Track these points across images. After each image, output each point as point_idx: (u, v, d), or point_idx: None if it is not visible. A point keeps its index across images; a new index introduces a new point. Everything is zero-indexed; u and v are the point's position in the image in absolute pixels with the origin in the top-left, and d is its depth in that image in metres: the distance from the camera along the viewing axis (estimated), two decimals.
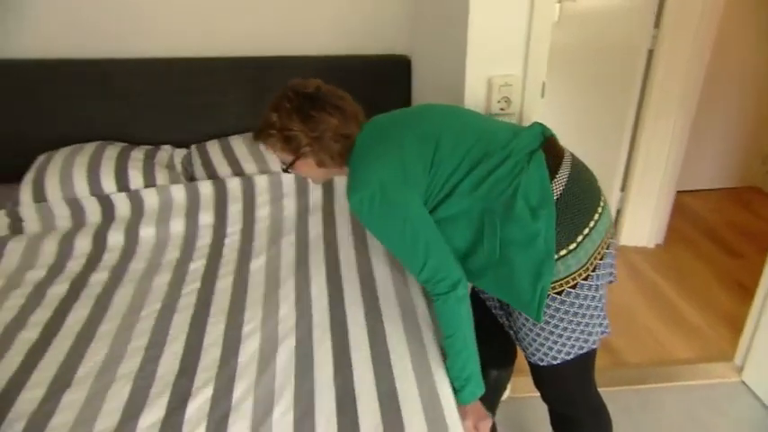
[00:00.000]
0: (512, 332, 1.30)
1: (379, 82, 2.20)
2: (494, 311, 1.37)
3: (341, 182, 1.92)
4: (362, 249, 1.60)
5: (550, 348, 1.17)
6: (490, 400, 1.57)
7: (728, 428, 1.81)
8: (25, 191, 1.81)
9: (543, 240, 1.04)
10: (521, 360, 1.39)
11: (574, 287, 1.10)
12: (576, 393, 1.28)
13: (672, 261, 2.69)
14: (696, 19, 2.25)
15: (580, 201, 1.09)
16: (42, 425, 1.07)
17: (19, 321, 1.34)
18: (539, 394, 1.32)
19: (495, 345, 1.45)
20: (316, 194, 1.87)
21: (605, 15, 2.28)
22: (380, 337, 1.27)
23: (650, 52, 2.35)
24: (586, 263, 1.09)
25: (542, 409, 1.38)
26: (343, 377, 1.16)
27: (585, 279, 1.10)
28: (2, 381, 1.17)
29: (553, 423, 1.39)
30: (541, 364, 1.20)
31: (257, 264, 1.57)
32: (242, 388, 1.15)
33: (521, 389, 1.85)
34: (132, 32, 2.05)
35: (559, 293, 1.11)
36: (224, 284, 1.48)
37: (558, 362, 1.18)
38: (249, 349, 1.25)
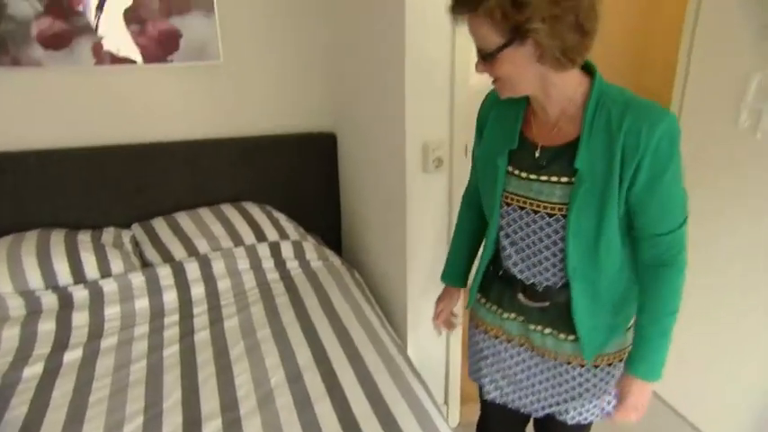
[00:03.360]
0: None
1: (307, 158, 2.45)
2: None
3: (288, 247, 2.11)
4: (333, 315, 1.75)
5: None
6: None
7: None
8: None
9: None
10: None
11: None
12: None
13: None
14: None
15: None
16: None
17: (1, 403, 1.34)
18: None
19: None
20: (268, 264, 2.03)
21: None
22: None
23: None
24: None
25: None
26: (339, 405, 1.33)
27: None
28: None
29: None
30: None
31: (230, 324, 1.69)
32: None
33: None
34: (69, 121, 2.13)
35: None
36: (203, 342, 1.59)
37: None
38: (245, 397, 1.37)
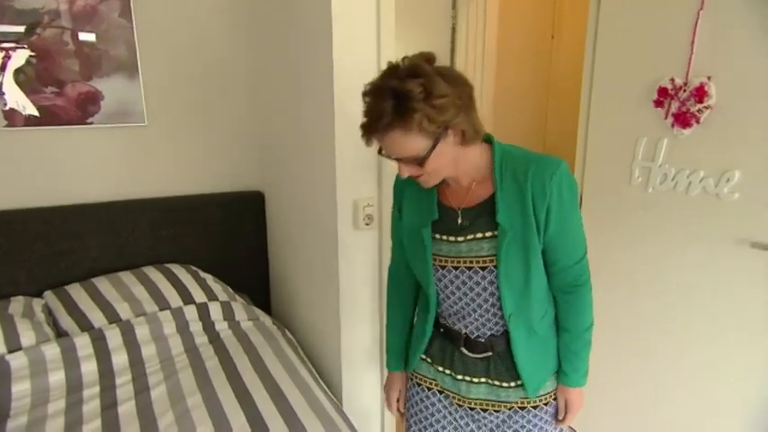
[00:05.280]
0: None
1: (234, 217, 2.44)
2: None
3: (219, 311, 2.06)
4: (266, 376, 1.72)
5: None
6: None
7: None
8: None
9: None
10: None
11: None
12: None
13: None
14: None
15: None
16: None
17: None
18: None
19: None
20: (196, 327, 1.97)
21: None
22: None
23: None
24: None
25: None
26: None
27: None
28: None
29: None
30: None
31: (157, 392, 1.60)
32: None
33: None
34: None
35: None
36: (128, 414, 1.49)
37: None
38: None
